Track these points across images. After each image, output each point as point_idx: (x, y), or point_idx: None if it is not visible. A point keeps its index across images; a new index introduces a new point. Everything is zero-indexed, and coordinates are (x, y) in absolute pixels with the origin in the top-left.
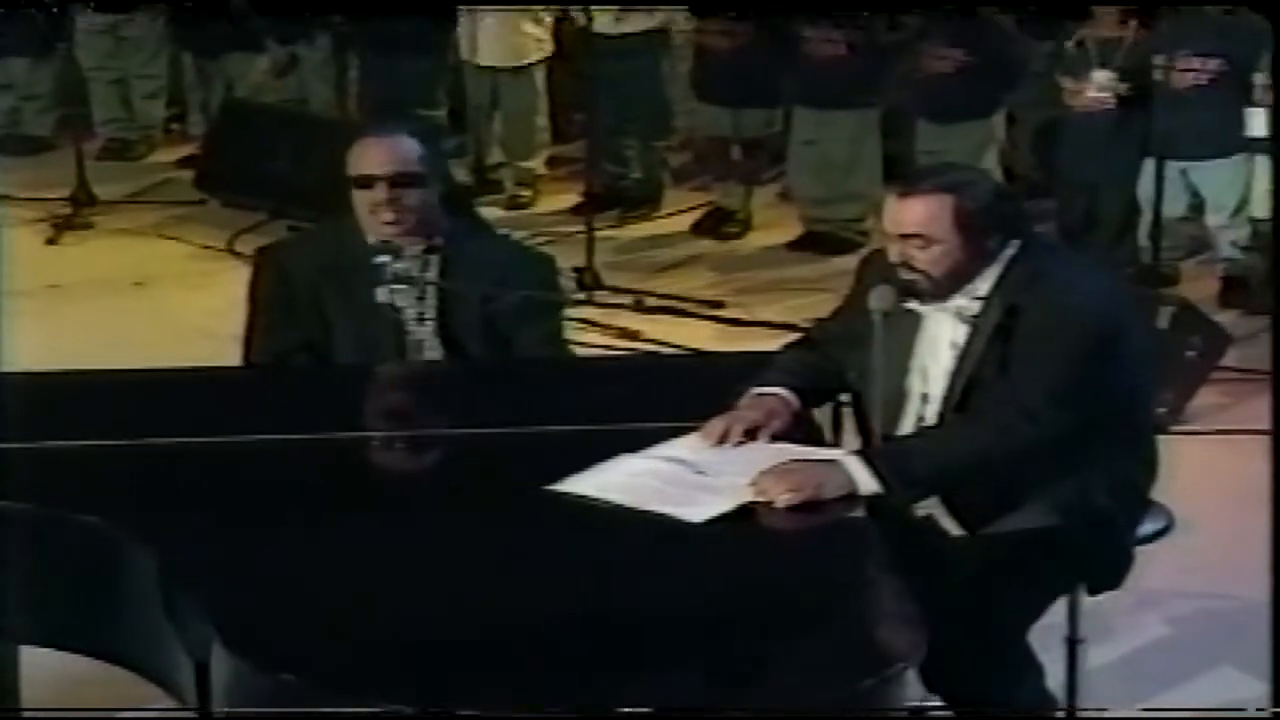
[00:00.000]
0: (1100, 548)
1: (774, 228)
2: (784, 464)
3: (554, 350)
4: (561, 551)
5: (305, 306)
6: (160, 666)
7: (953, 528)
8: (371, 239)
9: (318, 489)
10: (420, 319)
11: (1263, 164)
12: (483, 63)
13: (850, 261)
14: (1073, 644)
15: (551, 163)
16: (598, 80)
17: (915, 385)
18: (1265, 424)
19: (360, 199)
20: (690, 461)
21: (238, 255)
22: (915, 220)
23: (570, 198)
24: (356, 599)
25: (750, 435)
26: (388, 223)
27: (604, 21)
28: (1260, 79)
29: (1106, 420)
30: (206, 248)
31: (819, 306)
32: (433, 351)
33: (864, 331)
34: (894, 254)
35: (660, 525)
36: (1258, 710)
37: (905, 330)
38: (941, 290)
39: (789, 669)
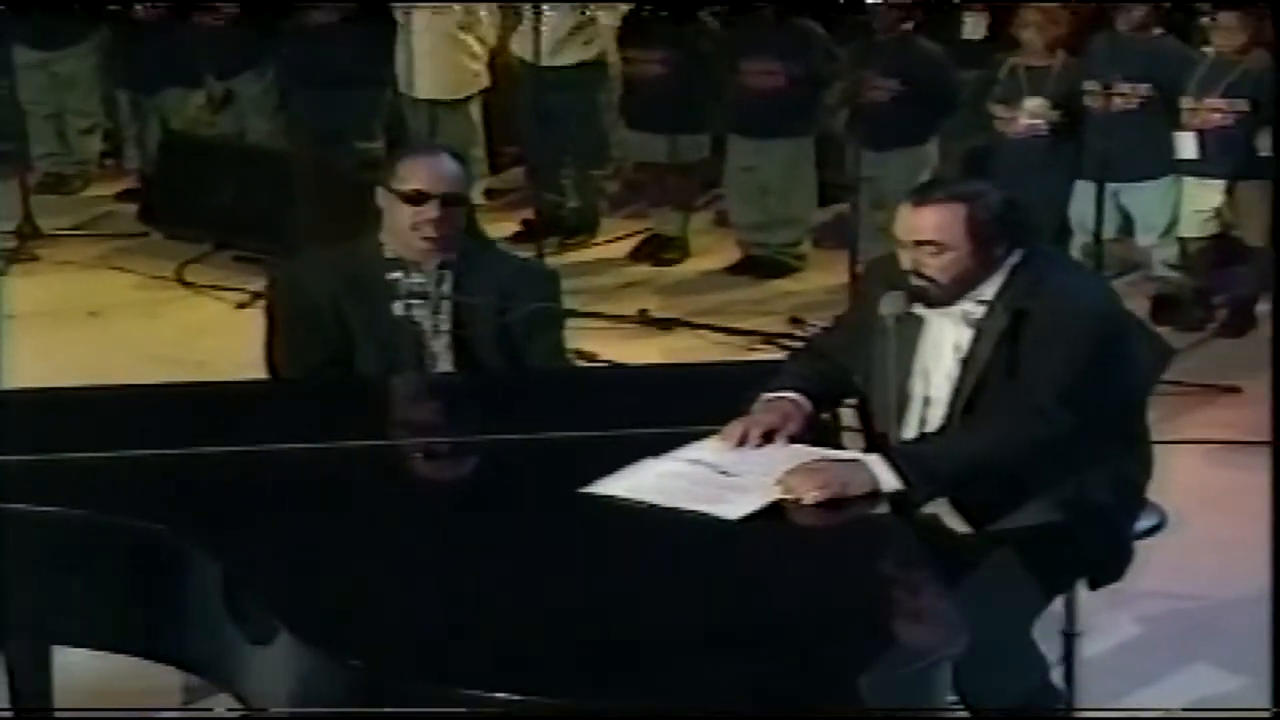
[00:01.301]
0: (1102, 542)
1: (711, 253)
2: (810, 463)
3: (558, 359)
4: (606, 548)
5: (328, 322)
6: (222, 668)
7: (959, 525)
8: (389, 254)
9: (366, 492)
10: (435, 332)
11: (1190, 185)
12: (420, 96)
13: (790, 284)
14: (1069, 638)
15: (487, 194)
16: (535, 111)
17: (918, 388)
18: (1205, 435)
19: (405, 214)
20: (714, 463)
21: (187, 285)
22: (929, 227)
23: (508, 226)
24: (412, 592)
25: (767, 438)
26: (428, 238)
27: (543, 51)
28: (1187, 102)
29: (1109, 418)
30: (156, 278)
31: (765, 328)
32: (445, 363)
33: (868, 337)
34: (906, 260)
35: (697, 522)
36: (1258, 710)
37: (909, 334)
38: (949, 296)
39: (836, 657)
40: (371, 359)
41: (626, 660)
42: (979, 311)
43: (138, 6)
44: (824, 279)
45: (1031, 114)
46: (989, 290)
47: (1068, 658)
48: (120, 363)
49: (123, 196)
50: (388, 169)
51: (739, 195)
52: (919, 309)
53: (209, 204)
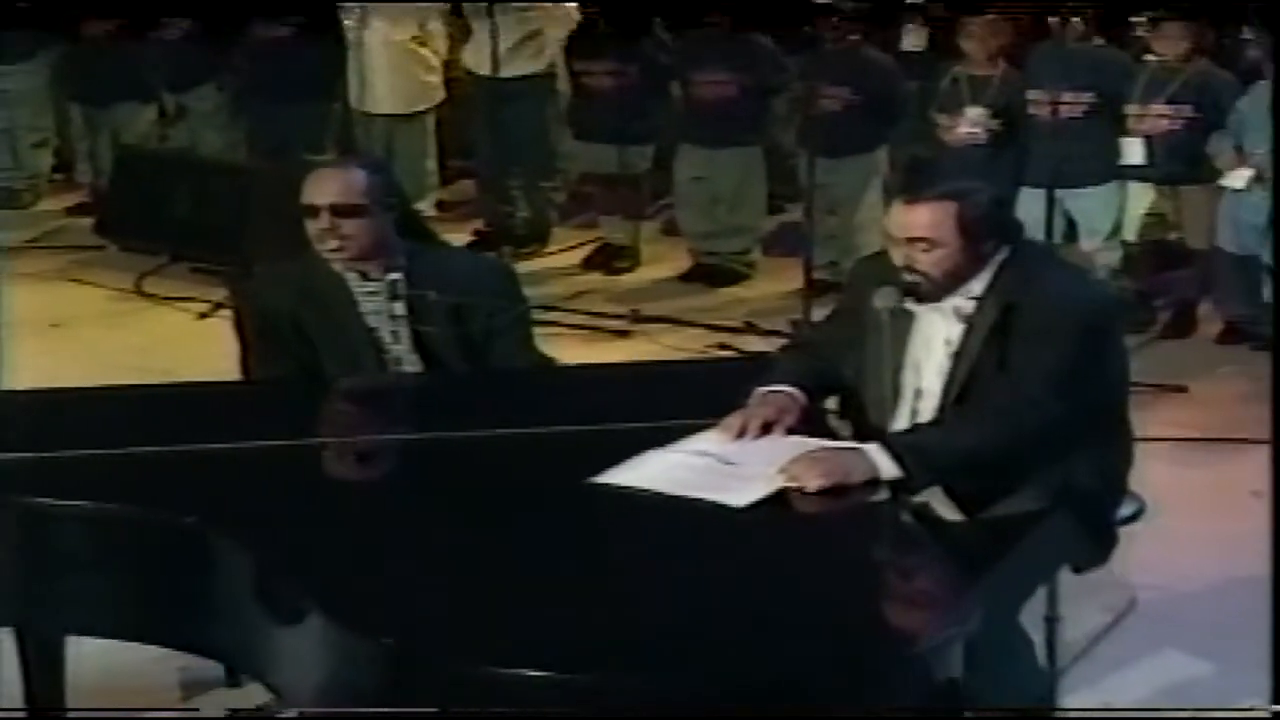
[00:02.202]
0: (1089, 528)
1: (661, 261)
2: (813, 451)
3: (525, 356)
4: (620, 533)
5: (290, 334)
6: (251, 655)
7: (949, 513)
8: (335, 265)
9: (381, 484)
10: (395, 337)
11: (1135, 190)
12: (375, 110)
13: (741, 291)
14: (1051, 622)
15: (439, 205)
16: (487, 123)
17: (909, 381)
18: (1154, 434)
19: (307, 226)
20: (716, 454)
21: (147, 296)
22: (922, 225)
23: (460, 237)
24: (436, 576)
25: (765, 430)
26: (331, 249)
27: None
28: (1133, 109)
29: (1097, 408)
30: (116, 289)
31: (720, 334)
32: (411, 366)
33: (857, 333)
34: (898, 257)
35: (705, 509)
36: (1258, 710)
37: (900, 329)
38: (940, 290)
39: (851, 637)
40: (335, 367)
41: (646, 638)
42: (969, 306)
43: (91, 21)
44: (774, 286)
45: (972, 122)
46: (978, 285)
47: (1050, 642)
48: (88, 373)
49: (75, 211)
50: None
51: (689, 205)
52: (910, 304)
53: (165, 217)
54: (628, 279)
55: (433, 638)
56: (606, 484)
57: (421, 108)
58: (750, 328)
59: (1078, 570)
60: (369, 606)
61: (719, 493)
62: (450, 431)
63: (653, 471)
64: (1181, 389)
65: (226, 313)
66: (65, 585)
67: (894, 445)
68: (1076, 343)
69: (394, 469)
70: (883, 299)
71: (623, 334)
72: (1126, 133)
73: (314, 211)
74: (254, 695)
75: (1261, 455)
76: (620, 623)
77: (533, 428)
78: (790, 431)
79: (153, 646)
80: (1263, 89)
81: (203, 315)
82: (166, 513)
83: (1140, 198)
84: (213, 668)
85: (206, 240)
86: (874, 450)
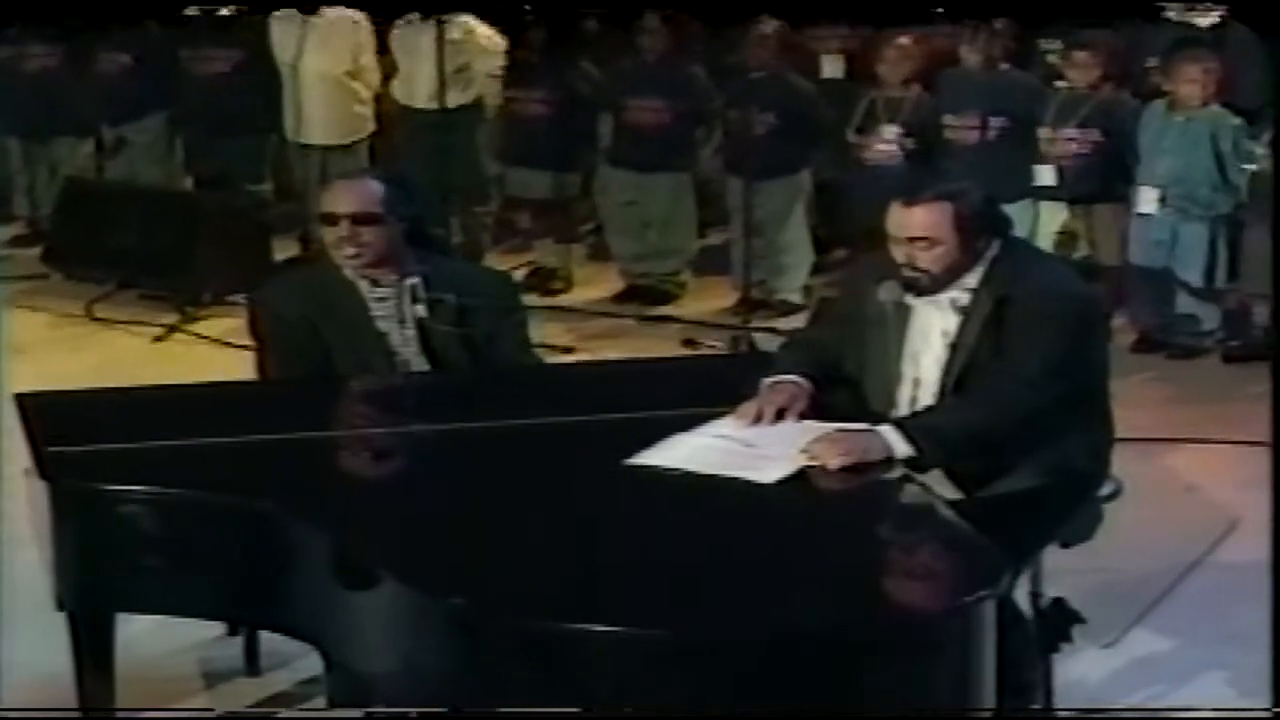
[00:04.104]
0: (1079, 505)
1: (593, 283)
2: (832, 432)
3: (526, 358)
4: (664, 506)
5: (304, 340)
6: (322, 627)
7: (949, 492)
8: (347, 272)
9: (435, 468)
10: (405, 340)
11: (1047, 209)
12: (312, 141)
13: (673, 310)
14: (1036, 596)
15: None
16: (421, 152)
17: (908, 371)
18: None
19: (326, 234)
20: (738, 437)
21: (99, 320)
22: (921, 225)
23: None
24: (497, 545)
25: (778, 416)
26: (348, 256)
27: (424, 97)
28: (1045, 134)
29: (1087, 390)
30: (68, 316)
31: (659, 346)
32: (418, 368)
33: (856, 328)
34: (899, 255)
35: (737, 485)
36: (1258, 710)
37: (898, 321)
38: (939, 285)
39: (888, 600)
40: (349, 370)
41: (698, 598)
42: (965, 299)
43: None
44: (705, 304)
45: (888, 140)
46: (973, 279)
47: (1036, 619)
48: None
49: (17, 242)
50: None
51: (621, 229)
52: (909, 298)
53: (113, 245)
54: (562, 300)
55: (501, 598)
56: (642, 464)
57: (355, 139)
58: (690, 344)
59: (1065, 545)
60: (438, 571)
61: (746, 471)
62: (490, 421)
63: (682, 453)
64: None
65: (181, 336)
66: (143, 567)
67: (907, 426)
68: (1068, 330)
69: (446, 457)
70: (887, 293)
71: (567, 350)
72: (1039, 155)
73: (333, 220)
74: (273, 684)
75: (1189, 453)
76: (675, 585)
77: (568, 416)
78: (801, 417)
79: (174, 638)
80: (1151, 111)
81: (158, 339)
82: (236, 496)
83: (1053, 217)
84: (233, 657)
85: (153, 267)
86: (887, 431)
